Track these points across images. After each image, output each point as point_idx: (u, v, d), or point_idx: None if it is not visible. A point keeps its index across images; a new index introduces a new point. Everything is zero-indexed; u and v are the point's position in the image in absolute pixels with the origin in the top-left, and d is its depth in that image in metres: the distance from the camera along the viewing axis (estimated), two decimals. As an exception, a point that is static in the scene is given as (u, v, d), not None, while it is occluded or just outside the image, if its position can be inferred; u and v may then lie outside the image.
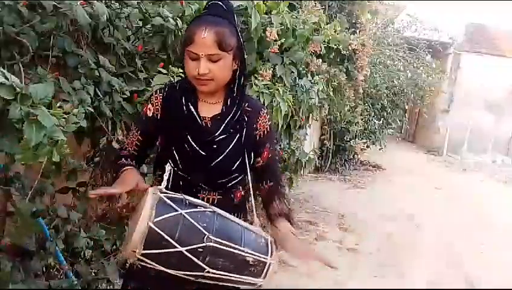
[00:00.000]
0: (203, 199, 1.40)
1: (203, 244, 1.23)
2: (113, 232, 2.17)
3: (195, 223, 1.24)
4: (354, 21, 6.79)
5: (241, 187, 1.50)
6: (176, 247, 1.22)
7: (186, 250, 1.22)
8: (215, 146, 1.40)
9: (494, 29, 13.19)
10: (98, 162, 2.10)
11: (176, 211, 1.24)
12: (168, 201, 1.26)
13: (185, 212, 1.25)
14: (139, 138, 1.47)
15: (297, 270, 3.57)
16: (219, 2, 1.37)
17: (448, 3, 11.67)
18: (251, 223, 1.43)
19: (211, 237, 1.24)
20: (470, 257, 4.44)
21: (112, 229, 2.20)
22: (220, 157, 1.40)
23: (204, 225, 1.26)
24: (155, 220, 1.21)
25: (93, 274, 2.13)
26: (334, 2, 6.52)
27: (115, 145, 1.82)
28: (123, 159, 1.44)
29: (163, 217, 1.22)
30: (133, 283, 1.46)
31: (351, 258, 4.08)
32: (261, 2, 2.60)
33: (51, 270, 2.02)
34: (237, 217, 1.45)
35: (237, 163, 1.43)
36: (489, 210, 6.65)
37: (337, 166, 8.27)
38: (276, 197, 1.50)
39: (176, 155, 1.40)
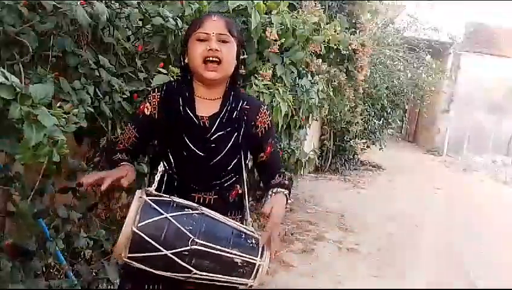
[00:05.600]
0: (198, 200, 1.41)
1: (188, 247, 1.24)
2: (113, 232, 2.17)
3: (180, 227, 1.25)
4: (354, 21, 6.79)
5: (238, 186, 1.50)
6: (161, 250, 1.23)
7: (172, 253, 1.23)
8: (213, 145, 1.40)
9: (494, 29, 13.21)
10: (98, 162, 2.10)
11: (161, 214, 1.25)
12: (154, 205, 1.27)
13: (171, 216, 1.26)
14: (136, 135, 1.48)
15: (297, 270, 3.58)
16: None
17: (448, 3, 11.69)
18: (245, 221, 1.43)
19: (196, 239, 1.25)
20: (470, 257, 4.44)
21: (112, 229, 2.20)
22: (218, 157, 1.41)
23: (190, 227, 1.26)
24: (139, 224, 1.23)
25: (93, 274, 2.13)
26: (334, 2, 6.51)
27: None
28: (119, 154, 1.47)
29: (147, 221, 1.24)
30: (130, 283, 1.46)
31: (351, 258, 4.07)
32: (261, 2, 2.60)
33: (51, 270, 2.02)
34: (233, 215, 1.46)
35: (234, 162, 1.44)
36: (489, 210, 6.65)
37: (337, 166, 8.28)
38: (277, 176, 1.51)
39: (171, 157, 1.40)
